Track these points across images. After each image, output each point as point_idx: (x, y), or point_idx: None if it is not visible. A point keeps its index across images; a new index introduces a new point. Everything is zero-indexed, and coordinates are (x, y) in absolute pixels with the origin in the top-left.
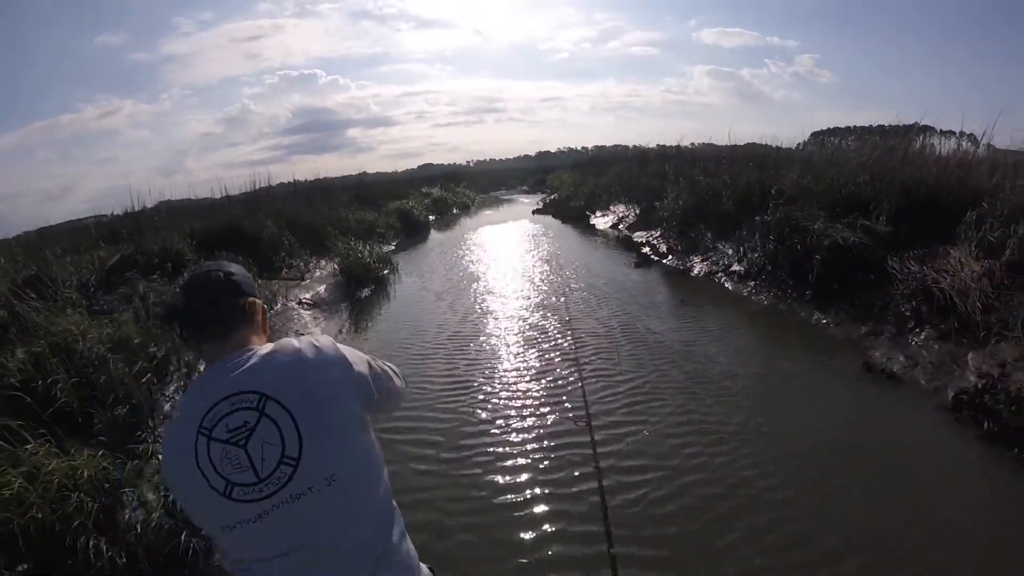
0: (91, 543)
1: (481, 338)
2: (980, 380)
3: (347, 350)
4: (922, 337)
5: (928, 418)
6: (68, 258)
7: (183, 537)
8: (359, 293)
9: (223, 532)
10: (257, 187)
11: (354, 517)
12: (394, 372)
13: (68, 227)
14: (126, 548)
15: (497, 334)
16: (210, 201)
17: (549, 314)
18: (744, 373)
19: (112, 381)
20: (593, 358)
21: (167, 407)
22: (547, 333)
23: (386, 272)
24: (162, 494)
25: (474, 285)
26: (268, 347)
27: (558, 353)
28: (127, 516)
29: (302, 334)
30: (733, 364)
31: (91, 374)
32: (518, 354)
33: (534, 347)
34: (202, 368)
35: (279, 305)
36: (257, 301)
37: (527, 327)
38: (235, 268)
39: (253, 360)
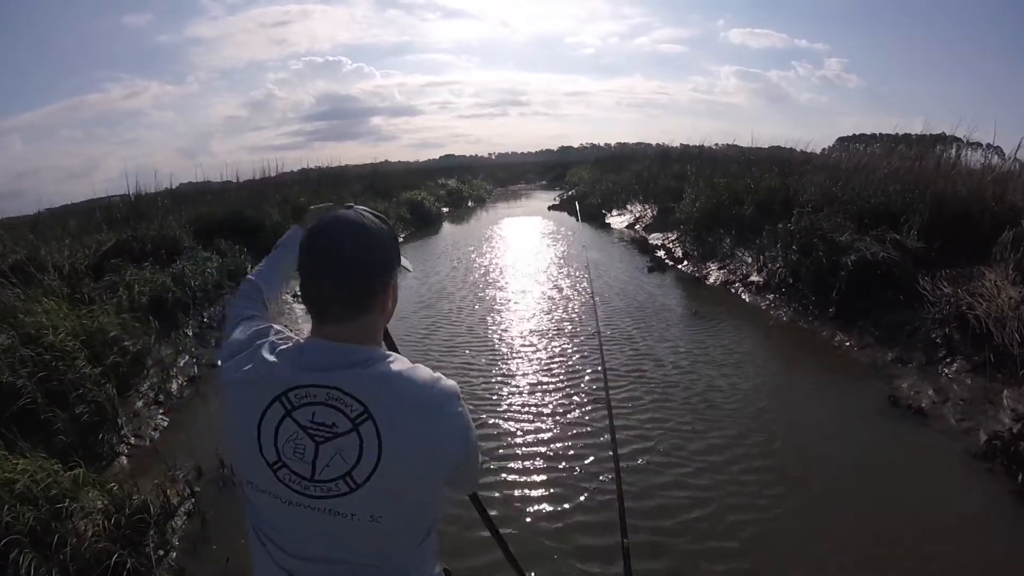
0: (22, 558)
1: (475, 355)
2: (1016, 424)
3: (470, 434)
4: (953, 368)
5: (957, 466)
6: (67, 241)
7: (125, 553)
8: None
9: (249, 486)
10: (268, 174)
11: (378, 559)
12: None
13: (85, 207)
14: (59, 565)
15: (490, 353)
16: (228, 185)
17: (547, 331)
18: (757, 402)
19: (78, 377)
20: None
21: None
22: (542, 356)
23: None
24: (108, 503)
25: (476, 289)
26: (404, 367)
27: (548, 384)
28: (68, 527)
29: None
30: (746, 390)
31: (58, 368)
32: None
33: (523, 371)
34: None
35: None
36: (393, 281)
37: (520, 347)
38: (372, 228)
39: (379, 370)
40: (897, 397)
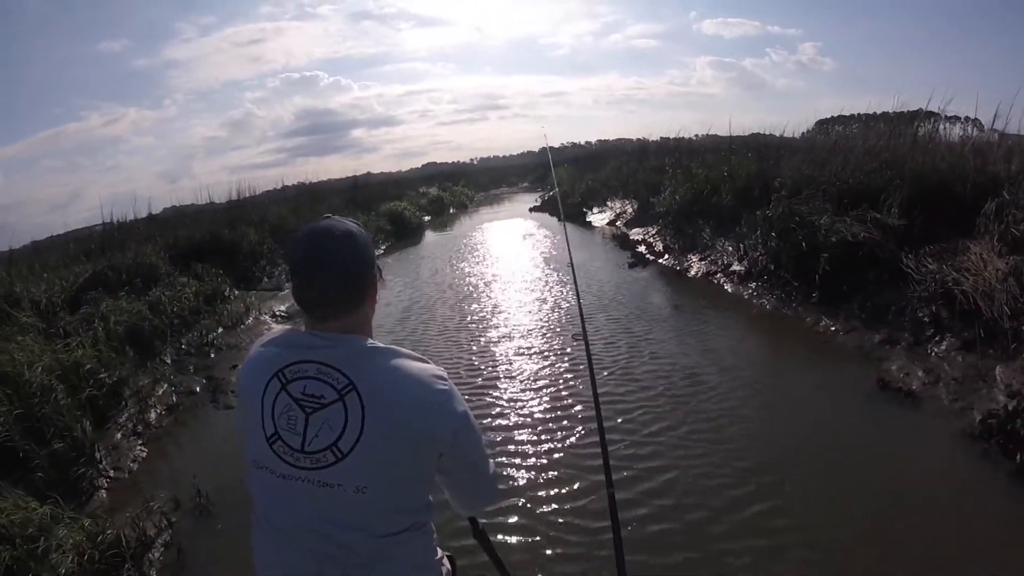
0: None
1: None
2: (1011, 400)
3: (454, 412)
4: (943, 347)
5: (952, 449)
6: (44, 275)
7: None
8: None
9: (253, 465)
10: (244, 195)
11: (367, 538)
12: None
13: (63, 239)
14: None
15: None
16: (208, 207)
17: (522, 337)
18: (741, 395)
19: (55, 412)
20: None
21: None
22: (516, 362)
23: None
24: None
25: (453, 297)
26: (391, 348)
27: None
28: (45, 564)
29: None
30: (729, 384)
31: (35, 405)
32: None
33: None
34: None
35: (251, 319)
36: (375, 278)
37: (502, 365)
38: (355, 232)
39: (366, 348)
40: (886, 380)
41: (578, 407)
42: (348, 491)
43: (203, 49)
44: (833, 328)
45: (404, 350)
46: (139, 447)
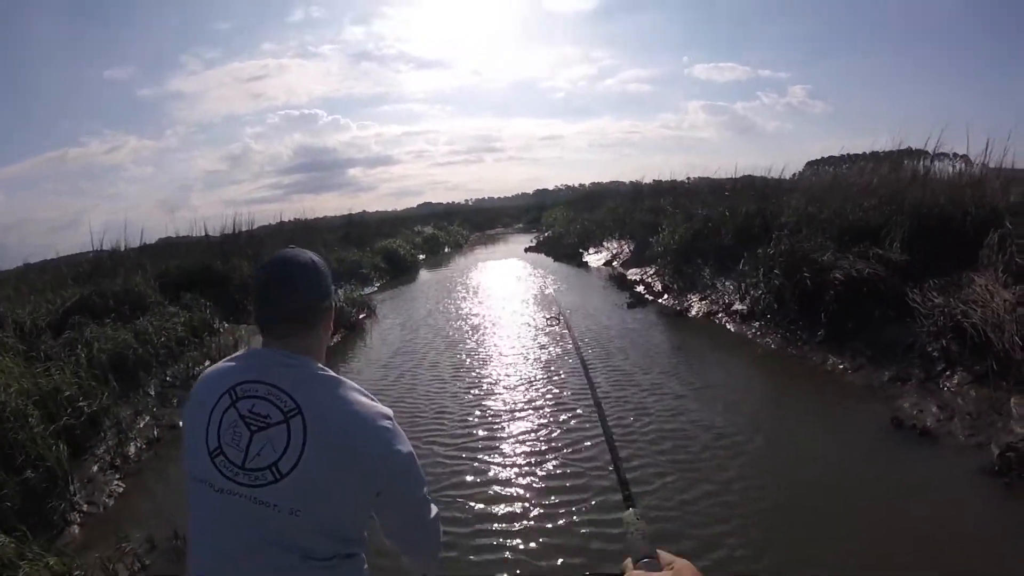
0: None
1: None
2: None
3: (397, 453)
4: (955, 381)
5: (972, 485)
6: (31, 296)
7: None
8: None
9: (191, 478)
10: (241, 228)
11: (296, 551)
12: (431, 535)
13: (55, 263)
14: None
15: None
16: (203, 240)
17: (521, 389)
18: (747, 439)
19: (29, 439)
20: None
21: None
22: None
23: (362, 316)
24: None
25: (447, 342)
26: (342, 381)
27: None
28: None
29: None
30: (733, 426)
31: (8, 430)
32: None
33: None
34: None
35: (240, 353)
36: (332, 306)
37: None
38: (317, 261)
39: (317, 376)
40: (900, 419)
41: (586, 474)
42: (283, 512)
43: (207, 82)
44: (841, 366)
45: (352, 383)
46: (116, 481)
